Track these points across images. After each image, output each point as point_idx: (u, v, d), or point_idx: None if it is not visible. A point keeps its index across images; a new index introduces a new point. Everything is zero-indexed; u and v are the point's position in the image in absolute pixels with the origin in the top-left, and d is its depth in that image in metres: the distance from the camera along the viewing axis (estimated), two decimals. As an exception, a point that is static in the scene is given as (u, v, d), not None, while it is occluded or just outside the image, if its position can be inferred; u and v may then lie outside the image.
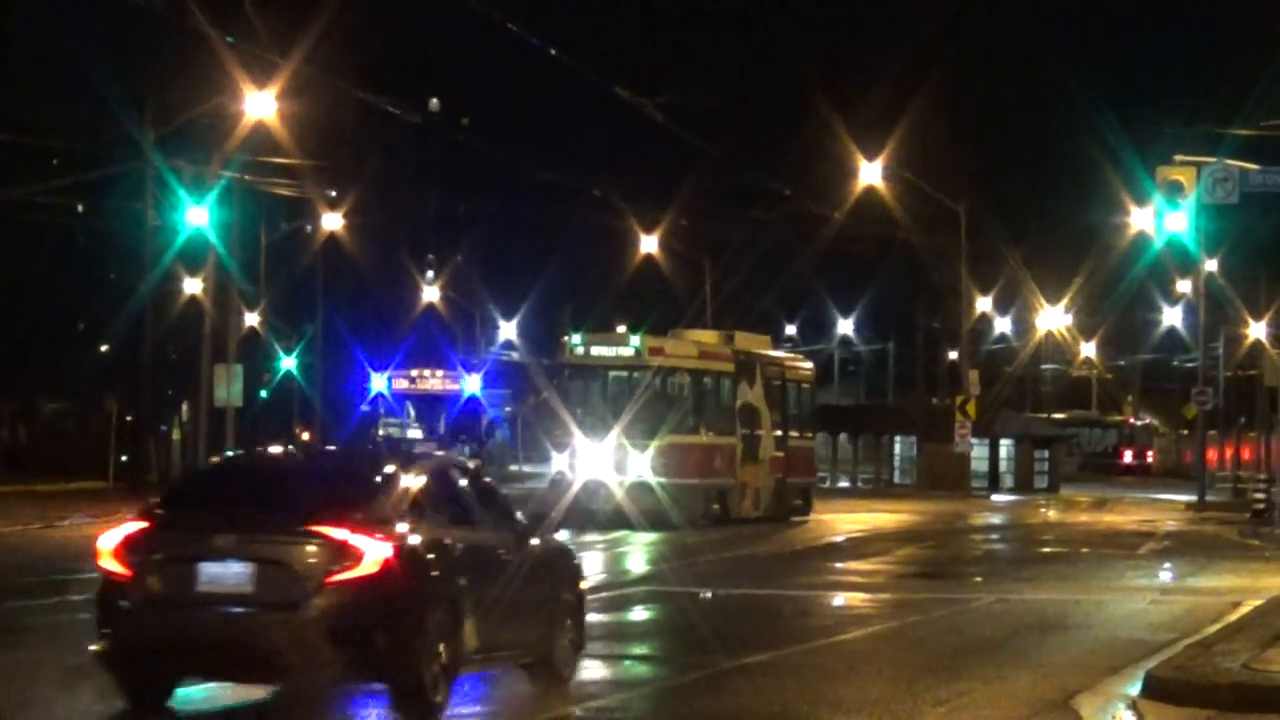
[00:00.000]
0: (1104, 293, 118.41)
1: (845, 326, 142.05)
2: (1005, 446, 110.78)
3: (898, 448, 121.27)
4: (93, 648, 22.02)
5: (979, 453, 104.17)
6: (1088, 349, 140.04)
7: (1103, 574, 45.08)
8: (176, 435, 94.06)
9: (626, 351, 63.30)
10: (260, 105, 68.19)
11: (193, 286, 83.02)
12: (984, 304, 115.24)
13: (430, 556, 22.50)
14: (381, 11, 72.67)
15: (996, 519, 68.62)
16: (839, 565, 47.58)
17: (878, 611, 35.47)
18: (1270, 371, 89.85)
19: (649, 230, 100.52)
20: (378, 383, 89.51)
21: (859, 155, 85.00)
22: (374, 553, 21.69)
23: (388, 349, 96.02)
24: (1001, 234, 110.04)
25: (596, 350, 63.87)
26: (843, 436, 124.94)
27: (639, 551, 49.43)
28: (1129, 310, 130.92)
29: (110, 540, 22.52)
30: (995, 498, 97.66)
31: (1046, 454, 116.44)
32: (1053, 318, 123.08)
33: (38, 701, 22.28)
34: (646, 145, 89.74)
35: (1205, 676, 23.12)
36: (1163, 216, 66.75)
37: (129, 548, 22.32)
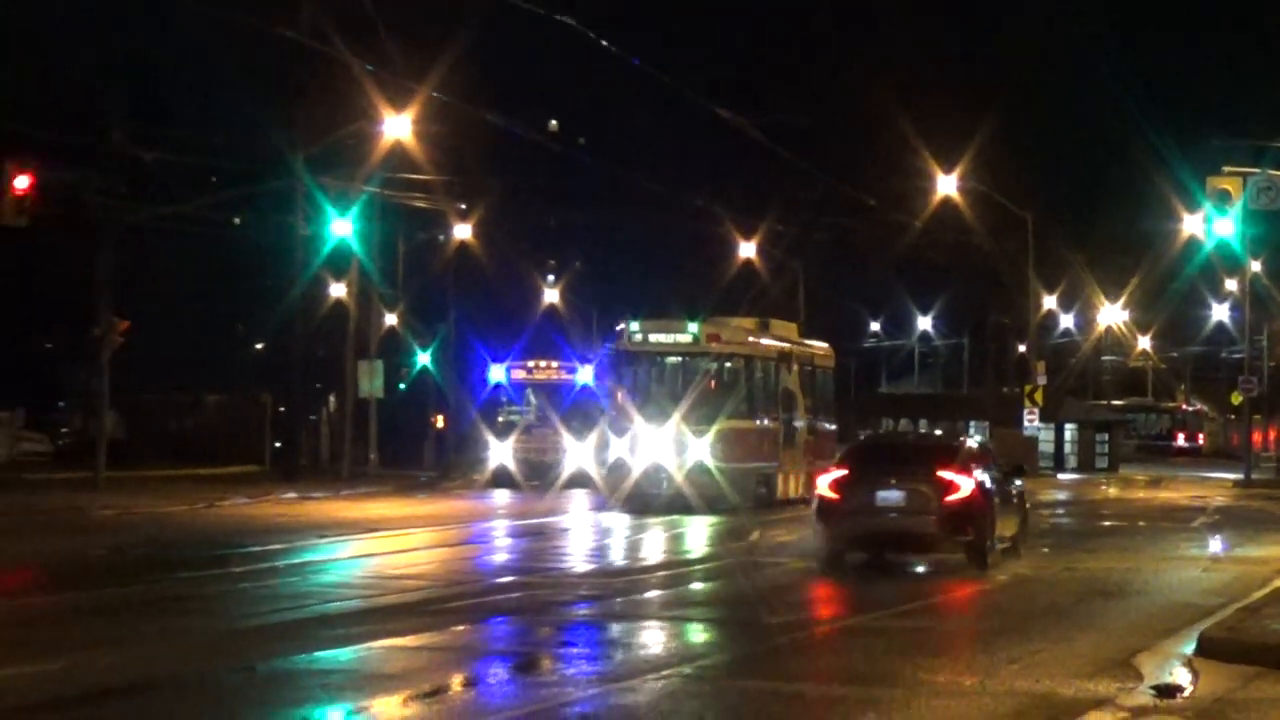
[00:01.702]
0: (1158, 291, 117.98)
1: (924, 323, 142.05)
2: (1069, 430, 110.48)
3: (972, 432, 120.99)
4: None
5: (1045, 436, 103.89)
6: (1144, 342, 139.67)
7: (1159, 545, 44.80)
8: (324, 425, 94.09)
9: (684, 338, 59.08)
10: (397, 127, 68.35)
11: (338, 291, 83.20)
12: (1049, 302, 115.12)
13: (987, 487, 36.62)
14: (507, 41, 72.65)
15: (1062, 495, 68.23)
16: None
17: (952, 578, 35.27)
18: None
19: (747, 236, 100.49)
20: (496, 373, 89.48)
21: (936, 169, 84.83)
22: (967, 485, 35.89)
23: (510, 345, 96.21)
24: (1065, 239, 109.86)
25: (655, 337, 59.49)
26: (923, 422, 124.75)
27: (730, 530, 49.06)
28: (1181, 307, 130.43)
29: (824, 479, 37.14)
30: (1060, 476, 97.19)
31: (1106, 437, 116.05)
32: (1112, 314, 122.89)
33: (195, 661, 22.25)
34: (746, 160, 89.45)
35: (1254, 638, 22.97)
36: (1212, 222, 66.59)
37: (835, 483, 36.46)
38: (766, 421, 60.28)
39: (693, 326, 58.91)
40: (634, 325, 59.62)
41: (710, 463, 55.91)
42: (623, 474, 56.83)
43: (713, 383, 58.11)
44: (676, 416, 56.35)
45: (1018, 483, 40.85)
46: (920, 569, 37.05)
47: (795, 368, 64.10)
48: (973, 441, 45.89)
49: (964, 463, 36.66)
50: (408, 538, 45.12)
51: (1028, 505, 42.59)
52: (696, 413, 56.53)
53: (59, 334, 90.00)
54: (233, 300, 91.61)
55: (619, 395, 59.41)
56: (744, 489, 56.75)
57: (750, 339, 61.01)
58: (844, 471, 36.82)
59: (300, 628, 25.85)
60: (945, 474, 35.72)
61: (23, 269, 78.72)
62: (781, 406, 61.81)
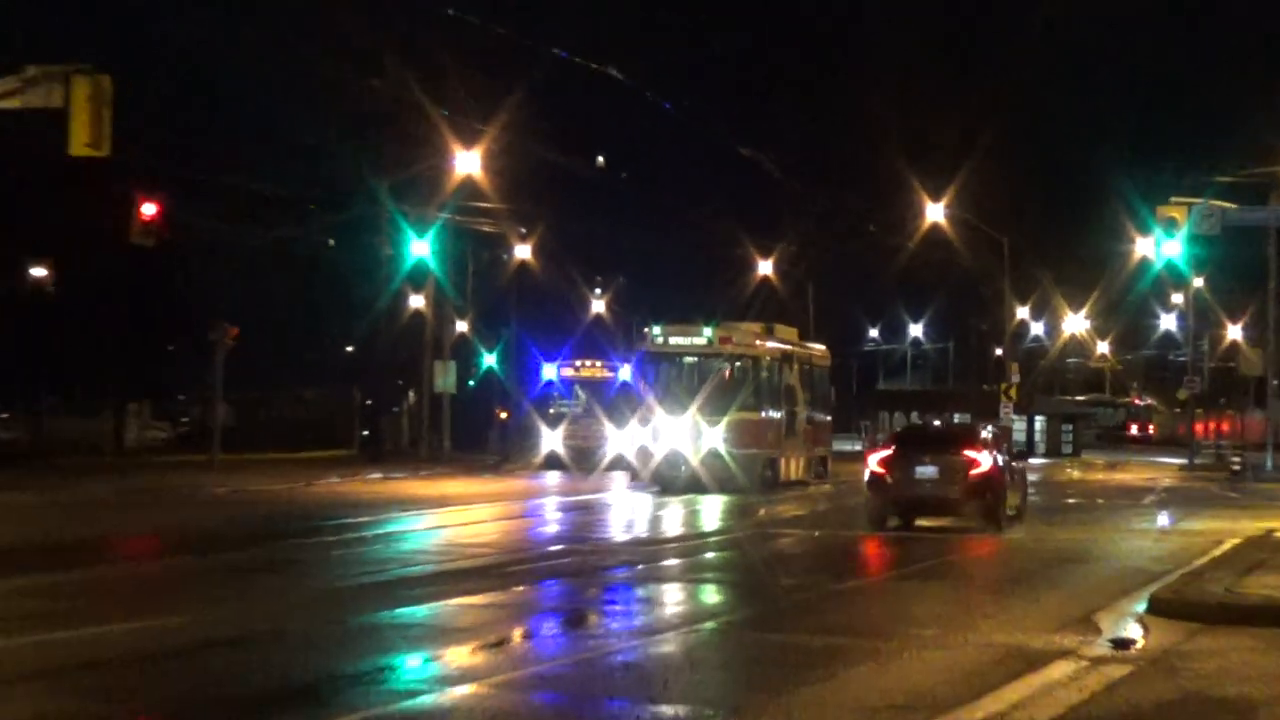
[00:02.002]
0: (1115, 303, 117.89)
1: (916, 330, 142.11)
2: (1039, 421, 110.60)
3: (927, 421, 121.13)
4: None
5: (1019, 426, 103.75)
6: (1103, 346, 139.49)
7: (1115, 519, 44.74)
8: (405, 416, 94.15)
9: (700, 340, 58.03)
10: (468, 162, 68.38)
11: (417, 302, 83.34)
12: (1022, 312, 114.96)
13: (1002, 465, 39.75)
14: (562, 88, 72.73)
15: (1032, 476, 67.72)
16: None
17: (939, 548, 35.23)
18: (1244, 364, 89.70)
19: (765, 255, 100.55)
20: (549, 371, 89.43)
21: (926, 198, 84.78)
22: (986, 462, 38.79)
23: (560, 347, 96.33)
24: (1036, 258, 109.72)
25: (674, 339, 58.57)
26: (914, 415, 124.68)
27: (741, 508, 49.00)
28: (1135, 316, 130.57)
29: (874, 458, 39.86)
30: (1031, 461, 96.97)
31: (1071, 427, 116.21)
32: (1075, 322, 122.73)
33: (294, 617, 22.28)
34: (764, 190, 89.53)
35: (1196, 598, 22.93)
36: (1161, 244, 66.22)
37: (883, 461, 39.24)
38: (771, 413, 59.33)
39: (707, 330, 58.23)
40: (656, 329, 59.28)
41: (722, 449, 55.32)
42: (648, 458, 56.06)
43: (725, 379, 57.07)
44: (694, 408, 55.68)
45: (1020, 465, 45.37)
46: (923, 539, 37.01)
47: (796, 367, 63.20)
48: (988, 431, 54.09)
49: (983, 446, 40.37)
50: (475, 511, 45.16)
51: (1028, 481, 46.37)
52: (711, 405, 55.83)
53: (181, 338, 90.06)
54: (327, 309, 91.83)
55: (644, 390, 58.56)
56: (751, 472, 55.84)
57: (757, 341, 60.04)
58: (889, 452, 39.80)
59: (384, 588, 25.89)
60: (969, 453, 38.94)
61: (151, 283, 78.84)
62: (784, 400, 60.89)
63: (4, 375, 78.46)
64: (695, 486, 54.12)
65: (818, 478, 64.00)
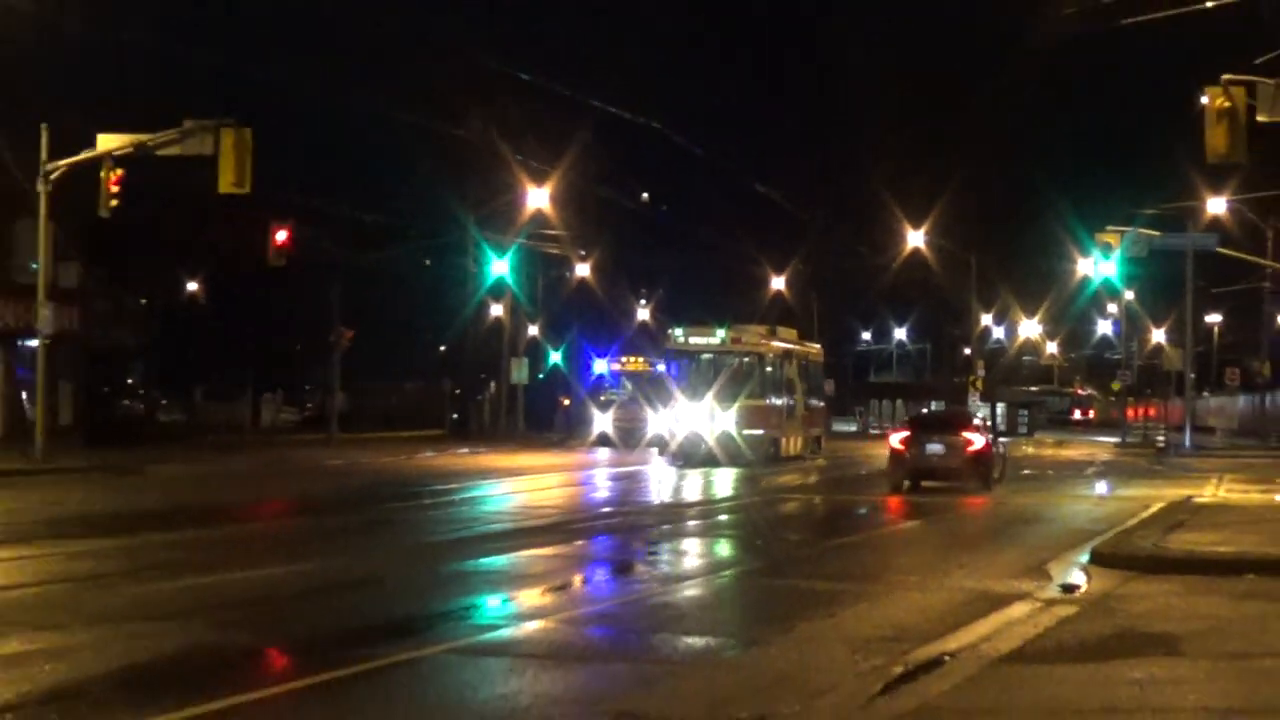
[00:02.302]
0: (1062, 311, 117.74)
1: (900, 333, 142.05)
2: (1000, 407, 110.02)
3: (933, 408, 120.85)
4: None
5: (983, 411, 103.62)
6: (1052, 346, 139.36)
7: (1062, 487, 44.50)
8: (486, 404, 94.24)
9: (715, 340, 57.48)
10: (537, 197, 68.42)
11: (496, 310, 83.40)
12: (986, 318, 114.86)
13: (990, 443, 41.50)
14: (613, 135, 72.80)
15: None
16: (896, 481, 47.25)
17: (920, 510, 35.11)
18: (1167, 360, 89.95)
19: (779, 272, 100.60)
20: (599, 365, 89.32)
21: (908, 226, 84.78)
22: (980, 441, 40.53)
23: (610, 346, 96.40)
24: (998, 274, 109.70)
25: (693, 339, 57.83)
26: (898, 401, 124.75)
27: (749, 478, 48.91)
28: (1078, 323, 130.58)
29: (895, 438, 41.73)
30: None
31: (1026, 413, 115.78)
32: (1029, 327, 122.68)
33: (396, 565, 22.28)
34: (777, 220, 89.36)
35: (1128, 551, 22.82)
36: (1099, 264, 66.16)
37: (901, 440, 40.82)
38: (774, 400, 58.19)
39: (721, 331, 57.68)
40: (678, 331, 58.78)
41: (733, 430, 54.74)
42: (672, 438, 55.67)
43: (735, 372, 56.18)
44: (709, 396, 55.01)
45: (1003, 440, 50.15)
46: (905, 504, 36.89)
47: (795, 362, 62.19)
48: (980, 416, 58.56)
49: (978, 428, 42.51)
50: (542, 479, 45.15)
51: (1009, 456, 47.69)
52: (723, 394, 55.11)
53: (307, 340, 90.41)
54: (424, 316, 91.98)
55: (668, 381, 58.00)
56: (757, 449, 54.91)
57: (763, 341, 58.82)
58: (906, 433, 41.58)
59: (469, 542, 25.89)
60: (967, 434, 40.83)
61: (282, 296, 79.08)
62: (785, 389, 59.84)
63: (165, 369, 78.72)
64: (711, 461, 53.33)
65: (813, 454, 62.77)
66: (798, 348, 64.16)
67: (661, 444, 57.22)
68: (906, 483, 40.39)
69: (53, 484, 38.65)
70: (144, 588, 18.64)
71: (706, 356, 57.37)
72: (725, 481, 45.43)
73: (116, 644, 14.75)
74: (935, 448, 40.54)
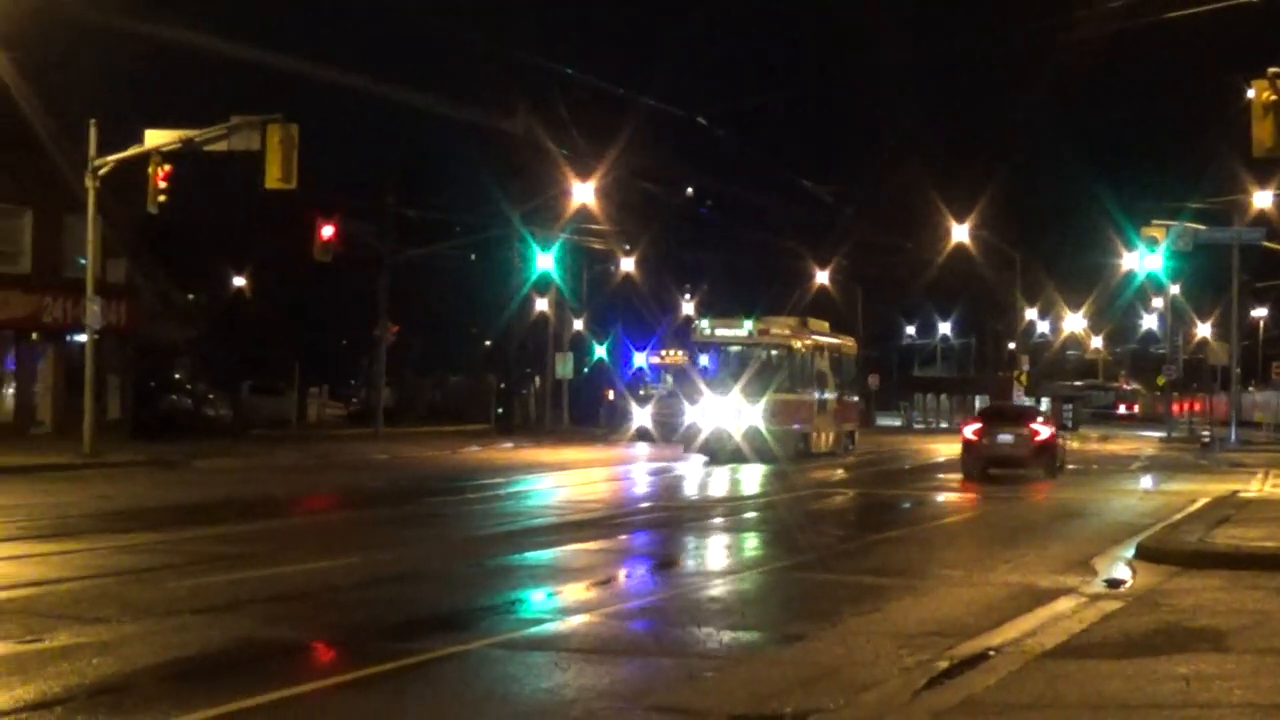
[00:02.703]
0: (1107, 305, 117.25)
1: (944, 327, 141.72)
2: (1044, 402, 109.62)
3: (977, 403, 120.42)
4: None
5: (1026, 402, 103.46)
6: (1096, 341, 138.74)
7: (1106, 481, 44.43)
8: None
9: (741, 332, 55.35)
10: (583, 192, 68.45)
11: (541, 305, 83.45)
12: (1030, 313, 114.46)
13: (1053, 434, 45.54)
14: (659, 131, 72.76)
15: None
16: (939, 476, 47.04)
17: (965, 505, 35.08)
18: (1212, 355, 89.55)
19: (823, 267, 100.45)
20: (639, 359, 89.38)
21: (953, 221, 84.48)
22: (1046, 432, 44.83)
23: (649, 340, 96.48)
24: (1042, 269, 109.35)
25: (720, 331, 56.00)
26: (943, 396, 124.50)
27: (780, 474, 48.82)
28: (1123, 317, 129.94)
29: (968, 429, 45.59)
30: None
31: (1070, 407, 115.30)
32: (1074, 321, 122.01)
33: (442, 559, 22.33)
34: (822, 215, 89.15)
35: (1174, 547, 22.75)
36: (1144, 258, 65.86)
37: (974, 431, 44.79)
38: (803, 395, 56.24)
39: (748, 323, 55.73)
40: (704, 323, 57.54)
41: (761, 425, 52.75)
42: (695, 433, 53.80)
43: (763, 365, 54.35)
44: (736, 390, 53.08)
45: (1063, 433, 53.49)
46: (947, 499, 36.80)
47: (826, 355, 60.10)
48: (1044, 409, 60.95)
49: (1044, 420, 47.44)
50: (586, 473, 45.17)
51: (1065, 447, 50.86)
52: (751, 388, 53.18)
53: (352, 334, 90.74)
54: (469, 311, 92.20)
55: (694, 375, 56.21)
56: (786, 445, 52.78)
57: (792, 333, 56.75)
58: (979, 424, 45.47)
59: (514, 536, 25.93)
60: (1034, 425, 45.16)
61: (328, 291, 79.35)
62: (815, 383, 57.88)
63: (212, 364, 79.04)
64: (738, 457, 51.47)
65: (846, 450, 61.11)
66: (829, 340, 62.17)
67: (688, 439, 55.00)
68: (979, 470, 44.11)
69: (101, 478, 38.83)
70: (192, 581, 18.71)
71: (734, 349, 55.83)
72: (756, 477, 45.01)
73: (164, 637, 14.81)
74: (1005, 438, 44.54)
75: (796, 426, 55.11)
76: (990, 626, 16.20)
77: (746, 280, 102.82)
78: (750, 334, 55.42)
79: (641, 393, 79.25)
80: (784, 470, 46.48)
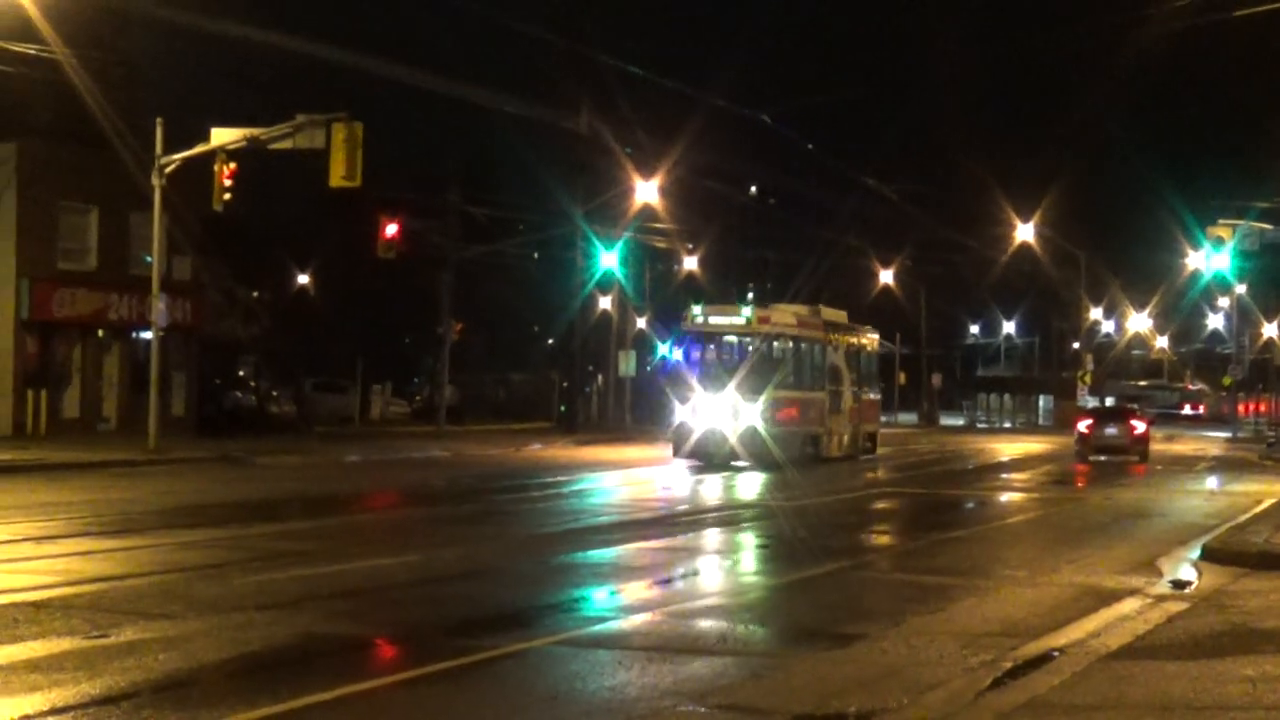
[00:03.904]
0: (1172, 305, 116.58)
1: (1008, 326, 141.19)
2: (1109, 401, 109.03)
3: (1041, 402, 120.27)
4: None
5: (1092, 405, 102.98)
6: (1161, 341, 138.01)
7: (1172, 481, 44.15)
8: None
9: (739, 320, 49.30)
10: (646, 191, 68.46)
11: (605, 303, 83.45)
12: (1095, 312, 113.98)
13: (1148, 427, 57.08)
14: (724, 129, 72.72)
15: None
16: (1003, 476, 46.93)
17: (1028, 505, 34.95)
18: (1278, 355, 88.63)
19: (886, 266, 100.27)
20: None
21: (1017, 219, 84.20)
22: (1142, 426, 55.89)
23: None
24: (1107, 268, 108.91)
25: (714, 319, 49.47)
26: (1006, 396, 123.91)
27: (828, 474, 48.62)
28: (1189, 317, 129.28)
29: (1082, 424, 56.62)
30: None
31: (1135, 407, 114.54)
32: (1139, 321, 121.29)
33: (505, 557, 22.37)
34: (884, 213, 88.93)
35: (1240, 548, 22.62)
36: (1210, 258, 65.43)
37: (1086, 426, 55.87)
38: (812, 391, 50.80)
39: (746, 310, 50.02)
40: (696, 309, 50.17)
41: (760, 426, 46.66)
42: (686, 434, 47.54)
43: (763, 358, 48.30)
44: (732, 386, 46.93)
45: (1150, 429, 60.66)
46: (1010, 498, 36.65)
47: (841, 347, 54.24)
48: (1136, 407, 67.49)
49: (1141, 417, 58.28)
50: (648, 472, 45.11)
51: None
52: (749, 383, 46.99)
53: (415, 332, 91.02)
54: (533, 309, 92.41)
55: (683, 368, 50.01)
56: (791, 448, 47.18)
57: (797, 321, 51.02)
58: (1090, 420, 57.51)
59: (577, 534, 25.97)
60: (1133, 421, 57.00)
61: (391, 289, 79.61)
62: (827, 379, 52.33)
63: (276, 361, 79.39)
64: (734, 461, 46.34)
65: (865, 453, 56.01)
66: (844, 330, 56.53)
67: (678, 441, 48.33)
68: (1090, 455, 54.48)
69: (165, 474, 39.10)
70: (256, 578, 18.82)
71: (730, 339, 49.97)
72: (823, 478, 44.12)
73: (229, 633, 14.90)
74: (1111, 430, 56.29)
75: (803, 427, 49.87)
76: (1055, 627, 16.15)
77: (810, 278, 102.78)
78: (748, 322, 49.20)
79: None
80: (785, 477, 41.80)
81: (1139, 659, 14.14)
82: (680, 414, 48.18)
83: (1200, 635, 15.43)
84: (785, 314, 51.33)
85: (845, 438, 53.92)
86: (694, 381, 48.05)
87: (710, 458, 46.59)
